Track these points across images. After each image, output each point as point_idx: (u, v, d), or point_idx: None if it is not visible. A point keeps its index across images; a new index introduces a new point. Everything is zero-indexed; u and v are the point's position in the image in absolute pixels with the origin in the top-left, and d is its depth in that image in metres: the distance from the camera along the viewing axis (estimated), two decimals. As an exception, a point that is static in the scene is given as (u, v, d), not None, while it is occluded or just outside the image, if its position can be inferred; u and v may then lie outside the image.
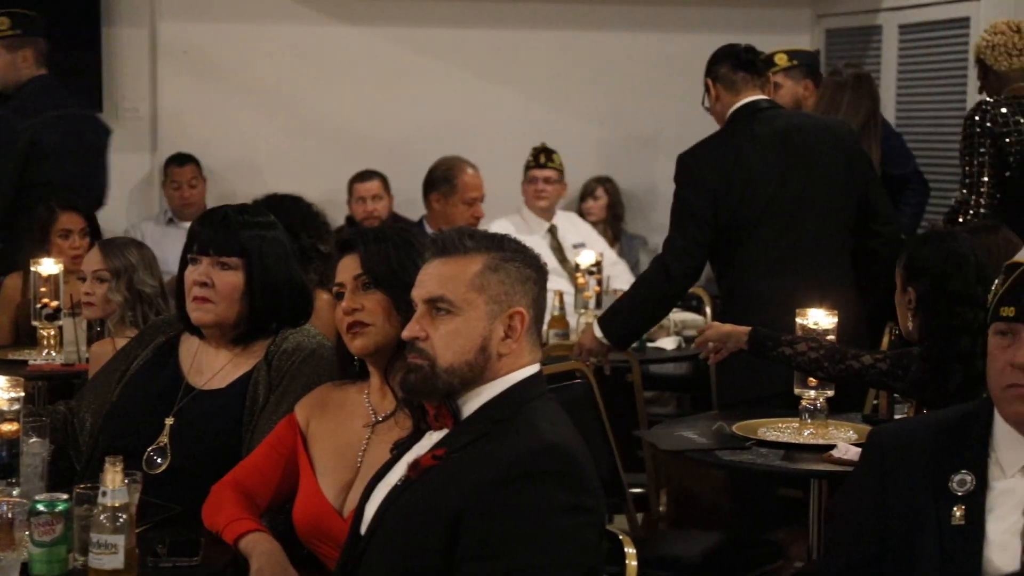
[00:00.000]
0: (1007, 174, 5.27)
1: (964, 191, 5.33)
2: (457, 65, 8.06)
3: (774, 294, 4.45)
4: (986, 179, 5.28)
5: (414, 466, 2.49)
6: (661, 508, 4.99)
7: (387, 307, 2.90)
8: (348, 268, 2.96)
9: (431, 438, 2.56)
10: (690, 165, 4.78)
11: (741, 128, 4.74)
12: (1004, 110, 5.31)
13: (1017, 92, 5.35)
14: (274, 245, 3.28)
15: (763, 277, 4.64)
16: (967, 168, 5.34)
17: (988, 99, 5.44)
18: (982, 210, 5.23)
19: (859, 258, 4.75)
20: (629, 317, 4.76)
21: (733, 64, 4.81)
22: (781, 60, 6.47)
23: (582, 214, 7.56)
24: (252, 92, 7.70)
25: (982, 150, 5.31)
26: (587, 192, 7.74)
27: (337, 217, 6.86)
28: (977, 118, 5.35)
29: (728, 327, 4.09)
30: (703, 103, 4.94)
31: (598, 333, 4.70)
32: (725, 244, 4.70)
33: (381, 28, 7.92)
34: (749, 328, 4.01)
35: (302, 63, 7.77)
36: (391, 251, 2.94)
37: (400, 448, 2.64)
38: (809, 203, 4.69)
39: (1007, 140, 5.28)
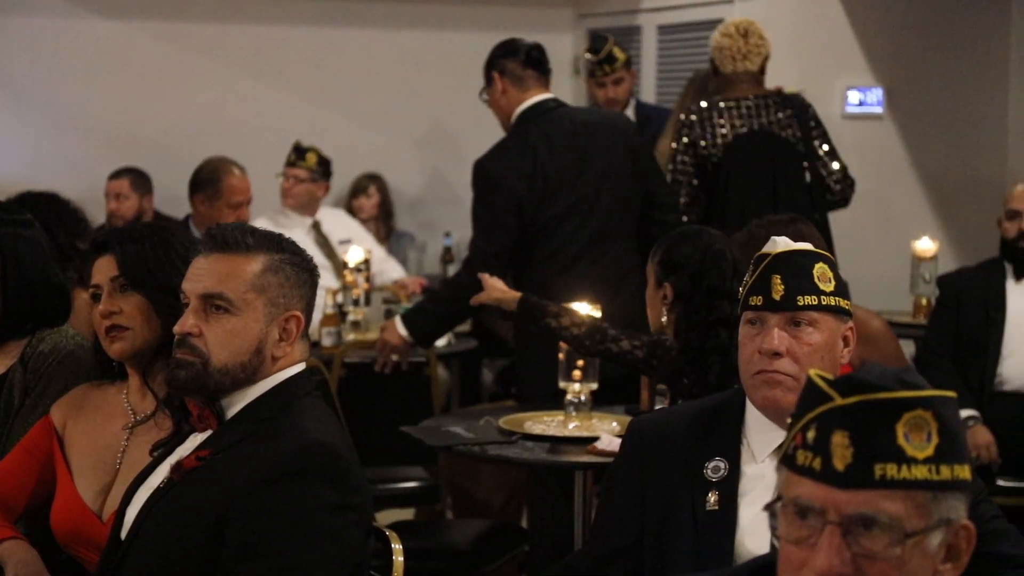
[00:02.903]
0: (709, 176, 5.45)
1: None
2: (223, 61, 7.95)
3: (571, 287, 4.50)
4: (685, 180, 5.45)
5: (177, 468, 2.45)
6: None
7: (146, 310, 2.84)
8: (104, 269, 2.88)
9: (195, 439, 2.53)
10: (490, 171, 4.81)
11: (534, 129, 4.81)
12: (696, 116, 5.48)
13: (738, 95, 5.50)
14: (30, 244, 3.19)
15: (560, 273, 4.71)
16: (669, 167, 5.51)
17: (699, 103, 5.58)
18: (685, 215, 5.40)
19: (644, 247, 4.87)
20: (434, 319, 4.82)
21: (522, 61, 4.87)
22: (621, 55, 6.63)
23: (353, 211, 7.54)
24: (7, 87, 7.47)
25: (683, 154, 5.48)
26: (359, 189, 7.72)
27: (98, 215, 6.69)
28: (682, 117, 5.53)
29: (499, 292, 4.16)
30: (481, 95, 4.97)
31: (403, 331, 4.71)
32: (525, 243, 4.77)
33: (143, 22, 7.76)
34: (520, 294, 4.09)
35: (60, 58, 7.57)
36: (148, 252, 2.87)
37: (161, 450, 2.59)
38: (603, 198, 4.81)
39: (702, 143, 5.45)
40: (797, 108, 5.50)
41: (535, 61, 4.89)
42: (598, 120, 5.06)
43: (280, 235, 2.58)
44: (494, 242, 4.73)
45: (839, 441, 1.57)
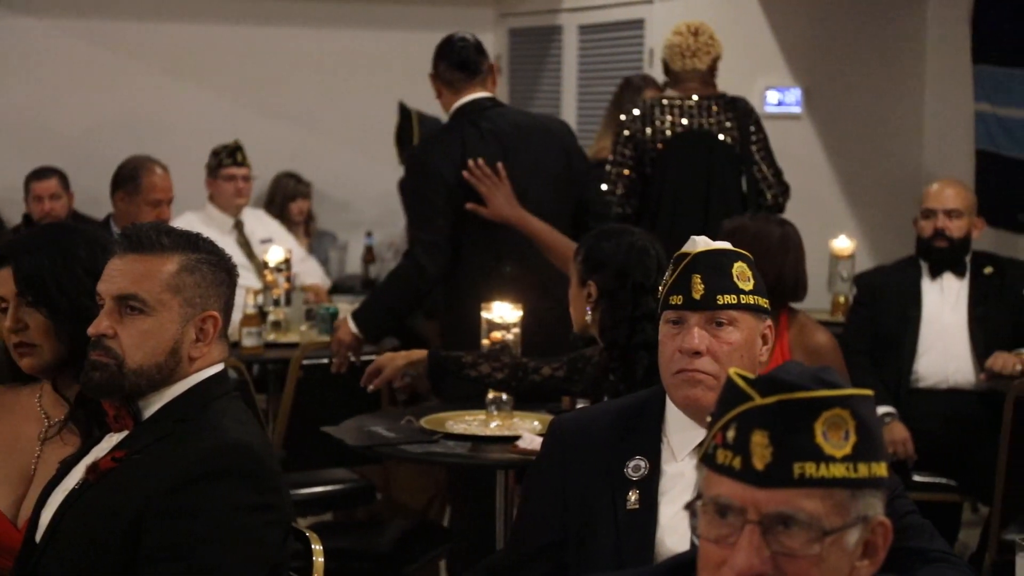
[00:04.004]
0: (647, 171, 5.50)
1: (606, 186, 5.55)
2: (143, 59, 7.88)
3: (500, 286, 4.49)
4: (626, 173, 5.50)
5: (92, 469, 2.43)
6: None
7: (50, 327, 2.76)
8: (5, 283, 2.80)
9: (111, 440, 2.50)
10: (421, 159, 4.82)
11: (465, 124, 4.83)
12: (639, 111, 5.54)
13: (683, 93, 5.56)
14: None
15: (488, 271, 4.70)
16: (610, 159, 5.58)
17: (643, 99, 5.67)
18: (616, 208, 5.45)
19: None
20: (383, 312, 4.79)
21: (452, 64, 4.88)
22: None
23: (287, 214, 7.51)
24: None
25: (624, 147, 5.53)
26: (297, 193, 7.67)
27: (13, 216, 6.61)
28: (623, 117, 5.58)
29: (402, 359, 4.05)
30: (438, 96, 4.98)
31: (354, 329, 4.69)
32: (454, 238, 4.76)
33: (61, 20, 7.68)
34: (426, 353, 4.03)
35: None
36: (47, 264, 2.77)
37: (67, 464, 2.56)
38: (533, 197, 4.80)
39: (641, 137, 5.50)
40: (739, 112, 5.54)
41: (463, 62, 4.90)
42: (532, 121, 5.10)
43: (197, 234, 2.55)
44: (431, 229, 4.71)
45: (759, 440, 1.58)
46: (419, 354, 4.03)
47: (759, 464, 1.58)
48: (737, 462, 1.59)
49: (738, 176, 5.52)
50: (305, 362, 4.78)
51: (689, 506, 1.64)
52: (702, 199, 5.38)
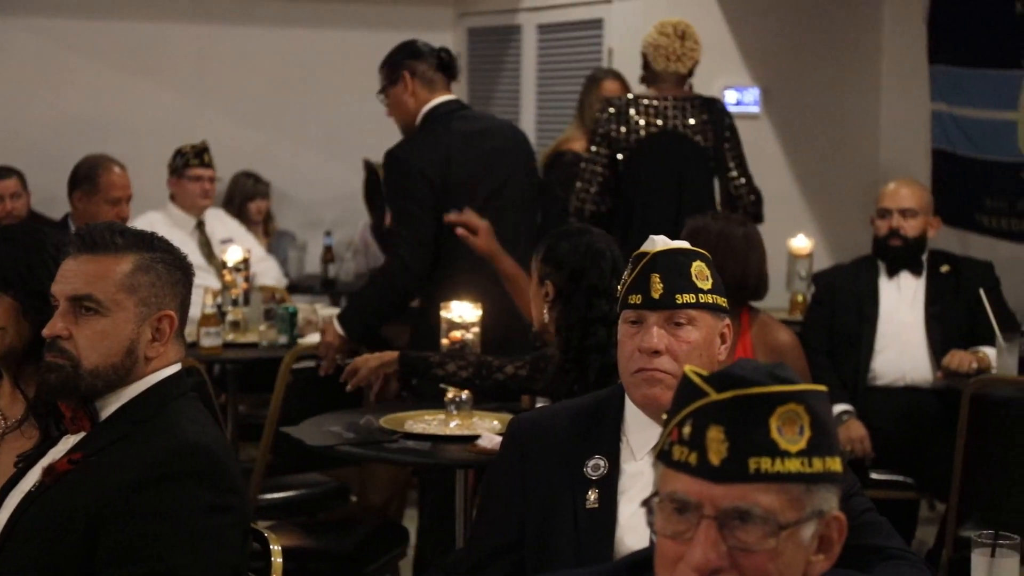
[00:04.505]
0: (621, 169, 5.53)
1: (580, 183, 5.57)
2: (101, 58, 7.83)
3: (479, 287, 4.48)
4: (600, 171, 5.54)
5: (49, 471, 2.41)
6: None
7: (16, 311, 2.78)
8: None
9: (67, 441, 2.49)
10: (404, 160, 4.82)
11: (441, 127, 4.85)
12: (614, 110, 5.57)
13: (659, 94, 5.59)
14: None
15: (469, 271, 4.69)
16: (585, 156, 5.62)
17: (616, 97, 5.70)
18: (590, 206, 5.48)
19: None
20: (368, 313, 4.78)
21: (435, 64, 4.91)
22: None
23: (246, 213, 7.48)
24: None
25: (598, 145, 5.57)
26: (255, 193, 7.64)
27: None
28: (599, 114, 5.61)
29: (376, 360, 4.08)
30: (383, 93, 4.94)
31: (340, 331, 4.67)
32: (436, 239, 4.78)
33: (18, 18, 7.62)
34: (397, 353, 4.04)
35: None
36: (19, 253, 2.81)
37: (26, 460, 2.54)
38: (507, 199, 4.86)
39: (614, 136, 5.54)
40: (714, 115, 5.57)
41: (446, 65, 4.96)
42: (499, 125, 5.18)
43: (152, 233, 2.55)
44: (418, 228, 4.72)
45: (714, 436, 1.59)
46: (391, 355, 4.05)
47: (715, 459, 1.58)
48: (693, 458, 1.60)
49: (710, 178, 5.56)
50: (293, 367, 4.75)
51: (646, 503, 1.65)
52: (674, 200, 5.43)
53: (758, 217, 5.61)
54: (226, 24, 8.14)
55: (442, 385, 3.95)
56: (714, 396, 1.60)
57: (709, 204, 5.48)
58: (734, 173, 5.57)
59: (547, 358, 3.75)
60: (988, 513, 4.49)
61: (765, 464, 1.58)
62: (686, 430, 1.61)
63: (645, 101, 5.56)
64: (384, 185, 4.86)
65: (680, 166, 5.51)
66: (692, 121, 5.53)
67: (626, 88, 6.23)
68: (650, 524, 1.65)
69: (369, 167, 7.29)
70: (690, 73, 5.64)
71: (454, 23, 8.58)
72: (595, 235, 3.75)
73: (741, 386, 1.60)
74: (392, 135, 5.09)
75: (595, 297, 3.64)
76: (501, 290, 4.51)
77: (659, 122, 5.52)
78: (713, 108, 5.59)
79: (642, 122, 5.53)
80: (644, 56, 5.69)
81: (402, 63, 4.92)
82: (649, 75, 5.69)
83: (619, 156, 5.53)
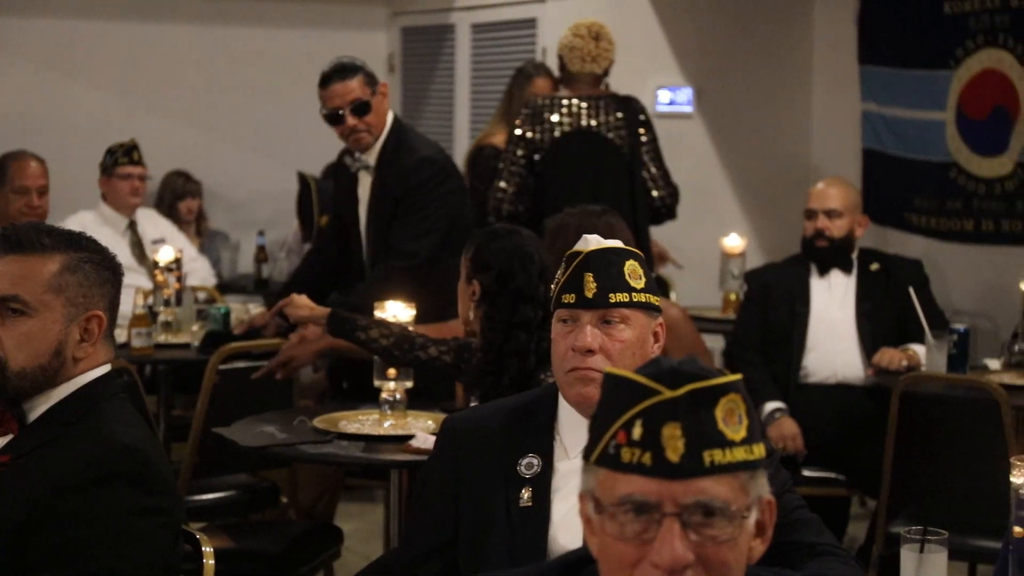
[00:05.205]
0: (538, 170, 5.58)
1: (499, 182, 5.61)
2: (27, 56, 7.75)
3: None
4: (517, 171, 5.59)
5: (-24, 474, 2.38)
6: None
7: None
8: None
9: (-5, 444, 2.46)
10: (447, 164, 5.09)
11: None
12: (530, 110, 5.64)
13: (575, 94, 5.62)
14: None
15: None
16: (504, 154, 5.70)
17: (537, 98, 5.74)
18: (507, 207, 5.55)
19: None
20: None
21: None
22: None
23: (178, 213, 7.42)
24: None
25: (516, 144, 5.62)
26: (186, 192, 7.58)
27: None
28: (518, 117, 5.65)
29: (308, 309, 4.10)
30: (366, 101, 4.92)
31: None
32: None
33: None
34: (328, 310, 4.04)
35: None
36: None
37: None
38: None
39: (530, 136, 5.61)
40: (630, 112, 5.61)
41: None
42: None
43: (79, 233, 2.52)
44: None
45: (671, 433, 1.59)
46: (322, 311, 4.05)
47: (673, 456, 1.59)
48: (648, 458, 1.59)
49: (626, 176, 5.58)
50: (220, 367, 4.70)
51: (599, 510, 1.63)
52: (590, 199, 5.45)
53: (672, 213, 5.66)
54: (158, 22, 8.07)
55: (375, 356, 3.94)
56: (668, 394, 1.60)
57: (625, 201, 5.50)
58: (652, 170, 5.61)
59: (471, 348, 3.75)
60: (918, 509, 4.54)
61: (718, 456, 1.60)
62: (636, 431, 1.60)
63: (564, 102, 5.62)
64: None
65: (595, 165, 5.57)
66: (607, 120, 5.58)
67: (556, 83, 6.25)
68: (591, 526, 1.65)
69: (303, 179, 7.26)
70: (605, 73, 5.71)
71: (388, 22, 8.56)
72: (525, 237, 3.75)
73: (693, 380, 1.61)
74: (328, 132, 5.07)
75: (521, 302, 3.63)
76: None
77: (574, 122, 5.58)
78: (628, 106, 5.63)
79: (557, 122, 5.59)
80: (560, 58, 5.74)
81: (375, 76, 5.02)
82: (565, 76, 5.75)
83: (536, 157, 5.58)
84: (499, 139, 6.22)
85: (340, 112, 4.90)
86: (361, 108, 4.91)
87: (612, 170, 5.56)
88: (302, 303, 4.15)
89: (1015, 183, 6.35)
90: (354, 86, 4.91)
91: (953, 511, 4.43)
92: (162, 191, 7.61)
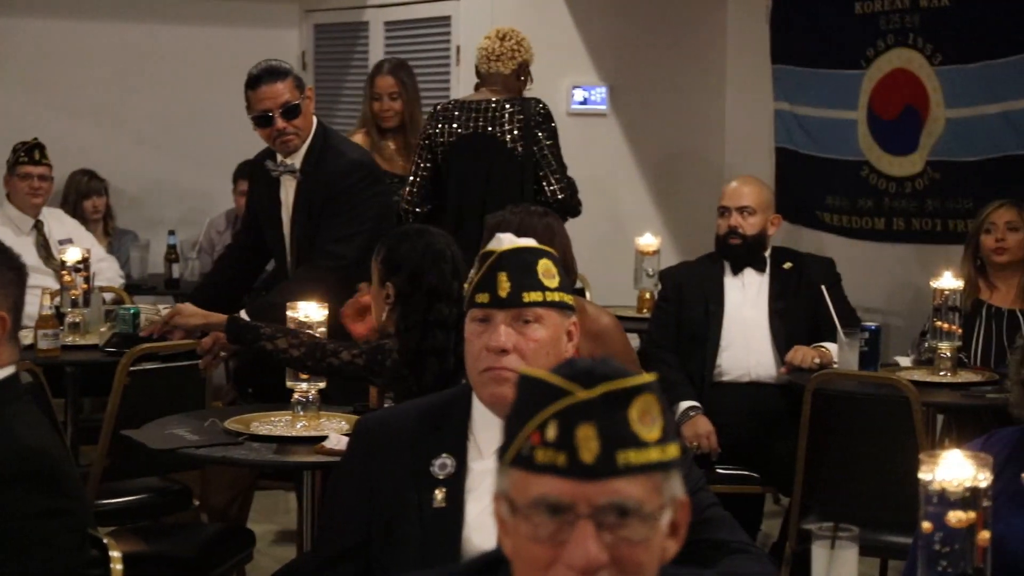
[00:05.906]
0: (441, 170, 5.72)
1: (408, 186, 5.75)
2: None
3: None
4: (420, 172, 5.76)
5: None
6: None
7: None
8: None
9: None
10: (375, 167, 5.10)
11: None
12: (433, 112, 5.78)
13: (478, 96, 5.72)
14: None
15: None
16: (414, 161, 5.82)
17: (447, 101, 5.85)
18: (415, 208, 5.72)
19: None
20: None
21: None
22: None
23: (83, 212, 7.32)
24: None
25: (422, 150, 5.77)
26: (91, 191, 7.48)
27: None
28: (426, 116, 5.77)
29: (202, 316, 4.04)
30: (296, 103, 4.87)
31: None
32: None
33: None
34: (225, 317, 3.97)
35: None
36: None
37: None
38: None
39: (431, 139, 5.74)
40: (529, 114, 5.65)
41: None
42: None
43: None
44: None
45: (586, 434, 1.58)
46: (218, 317, 3.96)
47: (587, 458, 1.58)
48: (562, 459, 1.58)
49: (518, 176, 5.65)
50: (131, 368, 4.63)
51: (515, 511, 1.62)
52: (480, 201, 5.55)
53: (572, 211, 5.69)
54: (64, 18, 7.95)
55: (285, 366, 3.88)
56: (583, 394, 1.59)
57: (516, 201, 5.53)
58: (547, 169, 5.65)
59: (385, 352, 3.72)
60: (829, 506, 4.58)
61: (632, 456, 1.59)
62: (550, 432, 1.59)
63: (470, 103, 5.74)
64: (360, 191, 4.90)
65: (487, 167, 5.68)
66: (504, 121, 5.68)
67: (399, 82, 6.28)
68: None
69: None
70: (517, 75, 5.79)
71: (300, 19, 8.50)
72: (434, 235, 3.74)
73: (608, 380, 1.60)
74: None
75: (435, 300, 3.62)
76: None
77: (471, 124, 5.69)
78: (527, 107, 5.70)
79: (455, 125, 5.71)
80: (475, 63, 5.87)
81: (302, 81, 4.99)
82: (479, 78, 5.88)
83: (439, 158, 5.72)
84: (357, 138, 6.17)
85: (270, 114, 4.85)
86: (292, 111, 4.87)
87: (504, 172, 5.68)
88: (190, 311, 4.08)
89: (925, 182, 6.44)
90: (284, 89, 4.86)
91: (865, 507, 4.47)
92: (67, 190, 7.50)
